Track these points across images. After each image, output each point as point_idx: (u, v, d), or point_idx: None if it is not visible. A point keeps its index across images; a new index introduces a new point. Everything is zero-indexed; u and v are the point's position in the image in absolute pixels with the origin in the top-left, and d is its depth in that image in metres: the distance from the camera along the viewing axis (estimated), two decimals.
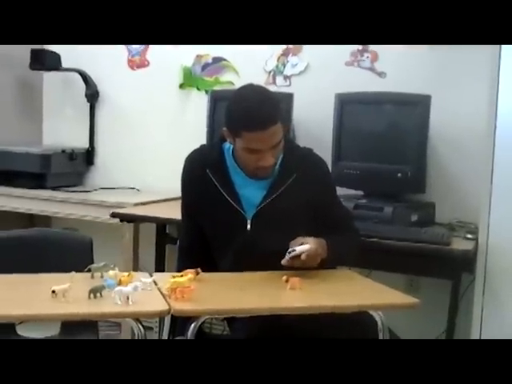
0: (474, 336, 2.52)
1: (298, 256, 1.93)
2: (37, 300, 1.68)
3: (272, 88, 3.26)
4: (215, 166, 2.12)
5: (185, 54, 3.46)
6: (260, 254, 2.02)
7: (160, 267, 3.02)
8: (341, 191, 2.96)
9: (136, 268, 2.99)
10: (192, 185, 2.17)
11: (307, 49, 3.21)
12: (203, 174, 2.12)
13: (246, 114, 1.97)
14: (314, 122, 3.13)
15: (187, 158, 2.20)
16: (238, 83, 3.32)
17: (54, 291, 1.65)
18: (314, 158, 2.20)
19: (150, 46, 3.57)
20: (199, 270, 1.92)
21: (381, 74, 3.08)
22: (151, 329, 3.25)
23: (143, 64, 3.62)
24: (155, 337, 3.04)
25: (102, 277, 1.87)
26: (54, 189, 3.47)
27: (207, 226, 2.15)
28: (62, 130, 3.84)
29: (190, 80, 3.49)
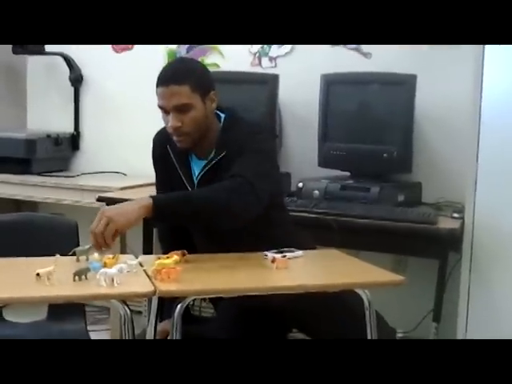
0: (461, 315, 2.53)
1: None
2: (21, 283, 1.67)
3: (258, 70, 3.26)
4: (175, 144, 2.10)
5: None
6: (207, 233, 2.07)
7: (148, 251, 3.00)
8: (327, 172, 2.98)
9: (124, 252, 2.97)
10: (157, 163, 2.22)
11: None
12: (165, 151, 2.14)
13: (159, 73, 2.07)
14: (299, 104, 3.12)
15: (153, 137, 2.23)
16: (224, 65, 3.31)
17: (38, 274, 1.64)
18: (247, 134, 2.08)
19: None
20: (185, 251, 1.91)
21: (366, 55, 3.07)
22: (140, 313, 3.26)
23: (127, 47, 3.58)
24: (144, 321, 3.05)
25: (87, 260, 1.86)
26: (39, 174, 3.44)
27: None
28: (46, 115, 3.80)
29: None
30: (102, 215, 1.84)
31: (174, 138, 2.06)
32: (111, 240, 1.83)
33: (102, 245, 1.83)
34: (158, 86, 2.03)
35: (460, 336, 2.53)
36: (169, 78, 2.01)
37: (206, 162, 2.09)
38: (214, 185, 1.96)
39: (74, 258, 1.89)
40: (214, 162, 2.06)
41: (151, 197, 1.89)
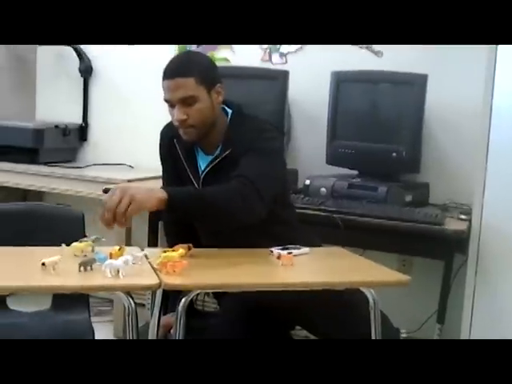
0: (466, 317, 2.52)
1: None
2: (26, 272, 1.67)
3: (268, 65, 3.25)
4: (182, 138, 2.10)
5: None
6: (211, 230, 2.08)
7: (153, 244, 3.01)
8: (335, 170, 2.97)
9: (129, 244, 2.98)
10: (164, 156, 2.22)
11: None
12: (172, 145, 2.15)
13: (165, 66, 2.06)
14: (309, 100, 3.11)
15: (161, 130, 2.23)
16: (234, 60, 3.30)
17: (43, 264, 1.64)
18: (253, 132, 2.07)
19: None
20: (191, 245, 1.90)
21: (377, 53, 3.06)
22: (143, 305, 3.25)
23: None
24: (147, 314, 3.05)
25: (92, 251, 1.85)
26: (46, 164, 3.45)
27: None
28: (55, 105, 3.80)
29: None
30: (123, 193, 1.76)
31: (180, 131, 2.06)
32: (129, 220, 1.78)
33: (120, 223, 1.76)
34: (163, 79, 2.04)
35: (463, 338, 2.52)
36: (174, 70, 2.02)
37: (212, 157, 2.09)
38: (222, 185, 1.96)
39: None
40: (219, 158, 2.06)
41: (165, 190, 1.86)
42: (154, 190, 1.86)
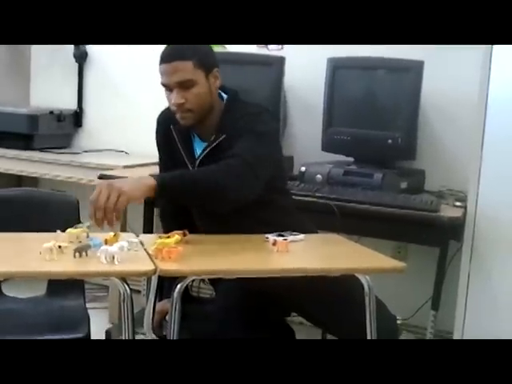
0: (460, 304, 2.53)
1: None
2: (22, 258, 1.67)
3: (264, 52, 3.23)
4: (178, 124, 2.09)
5: None
6: (208, 214, 2.05)
7: (148, 230, 3.01)
8: (331, 157, 2.97)
9: (124, 230, 2.97)
10: (160, 143, 2.21)
11: None
12: (169, 131, 2.13)
13: (162, 51, 2.05)
14: (305, 87, 3.10)
15: (157, 117, 2.22)
16: (230, 46, 3.28)
17: (50, 249, 1.63)
18: (246, 116, 2.04)
19: None
20: (186, 231, 1.90)
21: None
22: (139, 292, 3.26)
23: None
24: (143, 300, 3.05)
25: (87, 237, 1.85)
26: (41, 150, 3.44)
27: None
28: (50, 91, 3.79)
29: None
30: (110, 188, 1.72)
31: (177, 116, 2.05)
32: (121, 215, 1.74)
33: (111, 220, 1.72)
34: (160, 63, 2.02)
35: (457, 325, 2.54)
36: (172, 54, 2.01)
37: (207, 143, 2.08)
38: (213, 165, 1.93)
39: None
40: (214, 144, 2.05)
41: (153, 176, 1.83)
42: (141, 179, 1.82)
